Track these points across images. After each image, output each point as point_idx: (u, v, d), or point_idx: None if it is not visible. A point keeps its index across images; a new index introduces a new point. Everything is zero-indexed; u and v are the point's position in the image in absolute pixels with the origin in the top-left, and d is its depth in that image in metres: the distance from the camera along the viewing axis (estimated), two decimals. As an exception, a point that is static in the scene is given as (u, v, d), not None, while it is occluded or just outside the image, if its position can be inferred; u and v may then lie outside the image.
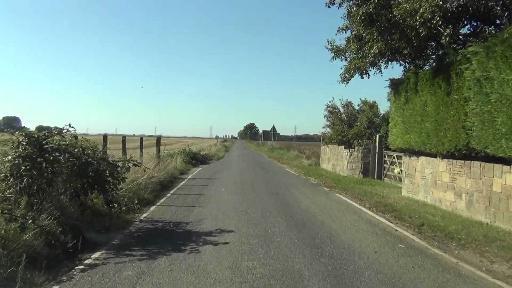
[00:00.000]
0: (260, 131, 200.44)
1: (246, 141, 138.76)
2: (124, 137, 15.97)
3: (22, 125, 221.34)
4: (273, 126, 44.17)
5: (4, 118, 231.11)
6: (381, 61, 11.15)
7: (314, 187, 13.50)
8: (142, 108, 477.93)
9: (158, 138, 16.84)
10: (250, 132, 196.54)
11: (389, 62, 11.47)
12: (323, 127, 21.45)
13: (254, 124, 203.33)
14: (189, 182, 14.19)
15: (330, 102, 20.69)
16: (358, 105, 19.90)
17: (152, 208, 8.82)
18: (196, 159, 24.71)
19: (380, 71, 11.75)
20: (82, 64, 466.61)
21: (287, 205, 9.47)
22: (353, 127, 19.30)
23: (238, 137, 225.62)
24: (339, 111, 20.29)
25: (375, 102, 19.33)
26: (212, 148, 43.11)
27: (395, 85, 11.30)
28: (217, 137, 56.92)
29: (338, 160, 18.31)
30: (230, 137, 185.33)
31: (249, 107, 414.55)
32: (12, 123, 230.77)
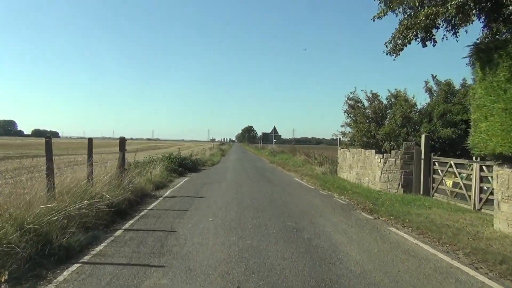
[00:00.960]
0: (259, 134, 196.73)
1: (244, 144, 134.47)
2: (90, 139, 11.57)
3: (18, 129, 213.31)
4: (274, 127, 39.91)
5: (0, 121, 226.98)
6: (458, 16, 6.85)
7: (347, 212, 9.12)
8: (140, 111, 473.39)
9: (122, 139, 12.02)
10: (248, 135, 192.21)
11: (467, 22, 7.17)
12: (342, 126, 17.06)
13: (252, 127, 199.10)
14: (162, 203, 9.81)
15: (351, 93, 16.31)
16: (386, 98, 15.62)
17: None
18: (184, 166, 20.38)
19: (456, 32, 7.46)
20: (79, 67, 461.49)
21: (324, 265, 5.07)
22: (382, 125, 14.94)
23: (236, 140, 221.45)
24: (363, 105, 15.94)
25: (406, 94, 15.00)
26: (206, 152, 38.75)
27: (487, 52, 7.00)
28: (213, 140, 51.95)
29: (366, 169, 13.99)
30: (228, 140, 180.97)
31: (246, 111, 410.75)
32: (8, 127, 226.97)
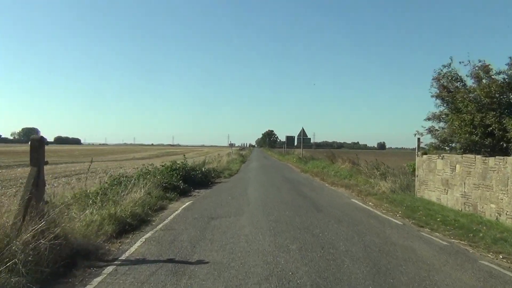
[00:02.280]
0: (280, 138, 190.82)
1: (265, 149, 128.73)
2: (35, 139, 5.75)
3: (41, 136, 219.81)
4: (302, 129, 34.06)
5: (23, 129, 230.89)
6: None
7: None
8: (159, 117, 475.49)
9: (35, 142, 6.04)
10: (269, 139, 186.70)
11: None
12: (428, 119, 11.04)
13: (272, 131, 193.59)
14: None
15: (444, 67, 10.30)
16: (500, 73, 9.59)
17: None
18: (190, 180, 14.88)
19: None
20: (101, 74, 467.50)
21: None
22: (505, 114, 8.93)
23: (256, 145, 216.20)
24: (463, 85, 9.98)
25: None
26: (223, 158, 33.18)
27: None
28: (232, 145, 46.02)
29: (490, 189, 8.06)
30: (247, 145, 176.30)
31: (266, 115, 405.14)
32: (30, 134, 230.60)
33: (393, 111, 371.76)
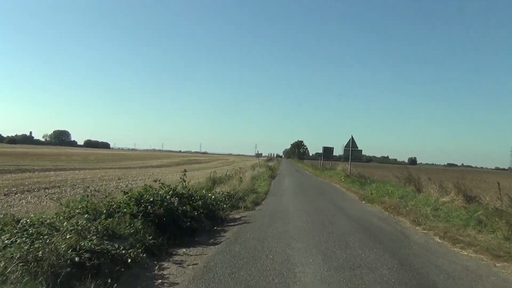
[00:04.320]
0: (309, 149, 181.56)
1: (294, 161, 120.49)
2: None
3: (72, 139, 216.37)
4: (352, 138, 26.05)
5: (55, 131, 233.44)
6: None
7: None
8: (188, 124, 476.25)
9: None
10: (298, 150, 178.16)
11: None
12: None
13: (302, 141, 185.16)
14: None
15: None
16: None
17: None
18: (173, 221, 7.51)
19: None
20: (131, 80, 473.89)
21: None
22: None
23: (283, 156, 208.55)
24: None
25: None
26: (247, 172, 25.62)
27: None
28: (258, 155, 38.35)
29: None
30: (274, 155, 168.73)
31: (295, 125, 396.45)
32: (62, 137, 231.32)
33: (424, 126, 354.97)
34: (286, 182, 24.38)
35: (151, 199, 7.79)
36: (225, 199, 12.32)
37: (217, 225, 9.35)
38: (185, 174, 10.89)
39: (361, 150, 26.08)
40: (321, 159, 47.58)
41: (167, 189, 9.31)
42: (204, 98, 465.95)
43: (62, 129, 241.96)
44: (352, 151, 25.92)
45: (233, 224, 9.63)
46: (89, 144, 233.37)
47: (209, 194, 10.86)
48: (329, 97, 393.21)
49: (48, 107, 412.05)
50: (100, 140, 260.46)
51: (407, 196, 13.55)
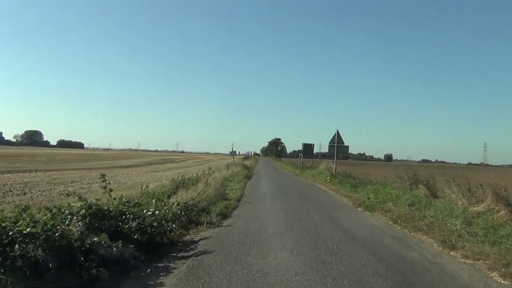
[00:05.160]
0: (287, 147, 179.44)
1: (272, 159, 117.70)
2: None
3: (44, 139, 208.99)
4: (337, 133, 23.11)
5: (26, 132, 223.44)
6: None
7: None
8: (165, 123, 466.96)
9: None
10: (275, 148, 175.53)
11: None
12: None
13: (279, 139, 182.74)
14: None
15: None
16: None
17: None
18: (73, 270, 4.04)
19: None
20: (105, 79, 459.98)
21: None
22: None
23: (260, 154, 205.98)
24: None
25: None
26: (219, 172, 22.35)
27: None
28: (232, 153, 34.75)
29: None
30: (252, 154, 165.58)
31: (272, 123, 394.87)
32: (34, 137, 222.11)
33: (399, 123, 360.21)
34: (264, 184, 21.16)
35: (25, 231, 4.38)
36: (181, 212, 9.01)
37: (159, 259, 6.05)
38: (105, 179, 7.53)
39: (348, 146, 23.19)
40: (300, 157, 44.63)
41: (78, 207, 5.94)
42: (180, 97, 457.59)
43: (34, 129, 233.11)
44: (338, 147, 22.98)
45: (184, 255, 6.32)
46: (62, 144, 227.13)
47: (155, 211, 7.48)
48: (306, 95, 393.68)
49: (20, 107, 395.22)
50: (74, 140, 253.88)
51: (419, 203, 10.53)
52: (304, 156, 42.63)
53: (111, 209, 6.70)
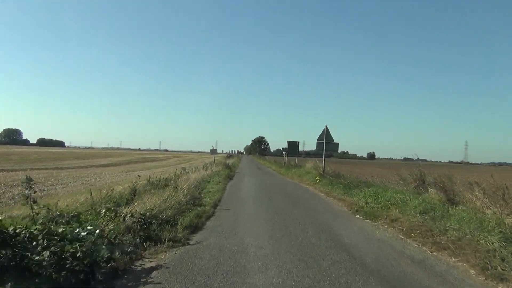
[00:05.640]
0: (271, 145, 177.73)
1: (256, 157, 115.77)
2: None
3: (24, 138, 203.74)
4: (326, 128, 21.22)
5: (5, 130, 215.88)
6: None
7: None
8: (148, 122, 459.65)
9: None
10: (259, 147, 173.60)
11: None
12: None
13: (263, 137, 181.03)
14: None
15: None
16: None
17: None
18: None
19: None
20: (86, 77, 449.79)
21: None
22: None
23: (244, 152, 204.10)
24: None
25: None
26: (196, 172, 20.23)
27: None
28: (213, 151, 32.22)
29: None
30: (236, 152, 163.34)
31: (256, 122, 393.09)
32: (13, 136, 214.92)
33: (381, 121, 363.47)
34: (246, 185, 19.10)
35: None
36: (136, 226, 6.91)
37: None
38: (30, 185, 5.44)
39: (337, 144, 21.30)
40: (285, 155, 42.73)
41: None
42: (164, 96, 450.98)
43: (13, 128, 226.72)
44: (327, 145, 21.10)
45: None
46: (42, 143, 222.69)
47: (94, 229, 5.36)
48: (289, 94, 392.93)
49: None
50: (54, 139, 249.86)
51: (433, 210, 8.64)
52: (289, 154, 40.74)
53: (18, 231, 4.57)
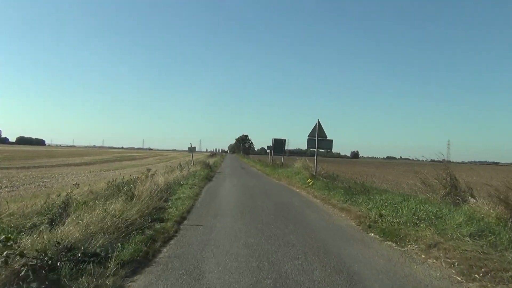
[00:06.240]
0: (255, 144, 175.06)
1: (240, 156, 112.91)
2: None
3: (3, 136, 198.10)
4: (318, 123, 18.55)
5: None
6: None
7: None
8: (132, 120, 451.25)
9: None
10: (242, 145, 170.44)
11: None
12: None
13: (247, 136, 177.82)
14: None
15: None
16: None
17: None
18: None
19: None
20: (66, 74, 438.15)
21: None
22: None
23: (228, 151, 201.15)
24: None
25: None
26: (165, 174, 17.30)
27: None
28: (191, 149, 29.13)
29: None
30: (220, 151, 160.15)
31: (240, 121, 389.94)
32: None
33: (365, 120, 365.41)
34: (226, 189, 16.23)
35: None
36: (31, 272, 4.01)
37: None
38: None
39: (331, 141, 18.62)
40: (270, 154, 39.98)
41: None
42: (148, 94, 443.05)
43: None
44: (320, 142, 18.42)
45: None
46: (22, 141, 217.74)
47: None
48: (273, 93, 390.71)
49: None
50: (35, 137, 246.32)
51: (492, 233, 5.96)
52: (274, 153, 38.01)
53: None
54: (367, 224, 8.26)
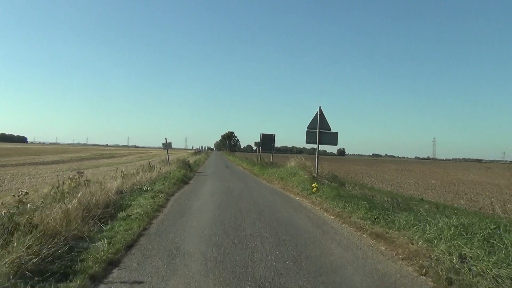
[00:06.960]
0: (241, 141, 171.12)
1: (225, 153, 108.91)
2: None
3: None
4: (320, 111, 14.83)
5: None
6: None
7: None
8: (116, 118, 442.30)
9: None
10: (228, 142, 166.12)
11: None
12: None
13: (233, 133, 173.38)
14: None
15: None
16: None
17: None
18: None
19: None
20: (51, 71, 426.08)
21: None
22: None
23: (214, 148, 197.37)
24: None
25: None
26: (124, 178, 13.26)
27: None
28: (166, 145, 25.20)
29: None
30: (206, 148, 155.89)
31: (227, 118, 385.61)
32: None
33: (351, 118, 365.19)
34: (204, 197, 12.31)
35: None
36: None
37: None
38: None
39: (337, 133, 14.92)
40: (258, 151, 36.13)
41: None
42: (134, 91, 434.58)
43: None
44: (321, 135, 14.71)
45: None
46: (3, 138, 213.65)
47: None
48: (259, 87, 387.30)
49: None
50: (16, 134, 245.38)
51: None
52: (263, 150, 34.20)
53: None
54: (443, 276, 4.54)
